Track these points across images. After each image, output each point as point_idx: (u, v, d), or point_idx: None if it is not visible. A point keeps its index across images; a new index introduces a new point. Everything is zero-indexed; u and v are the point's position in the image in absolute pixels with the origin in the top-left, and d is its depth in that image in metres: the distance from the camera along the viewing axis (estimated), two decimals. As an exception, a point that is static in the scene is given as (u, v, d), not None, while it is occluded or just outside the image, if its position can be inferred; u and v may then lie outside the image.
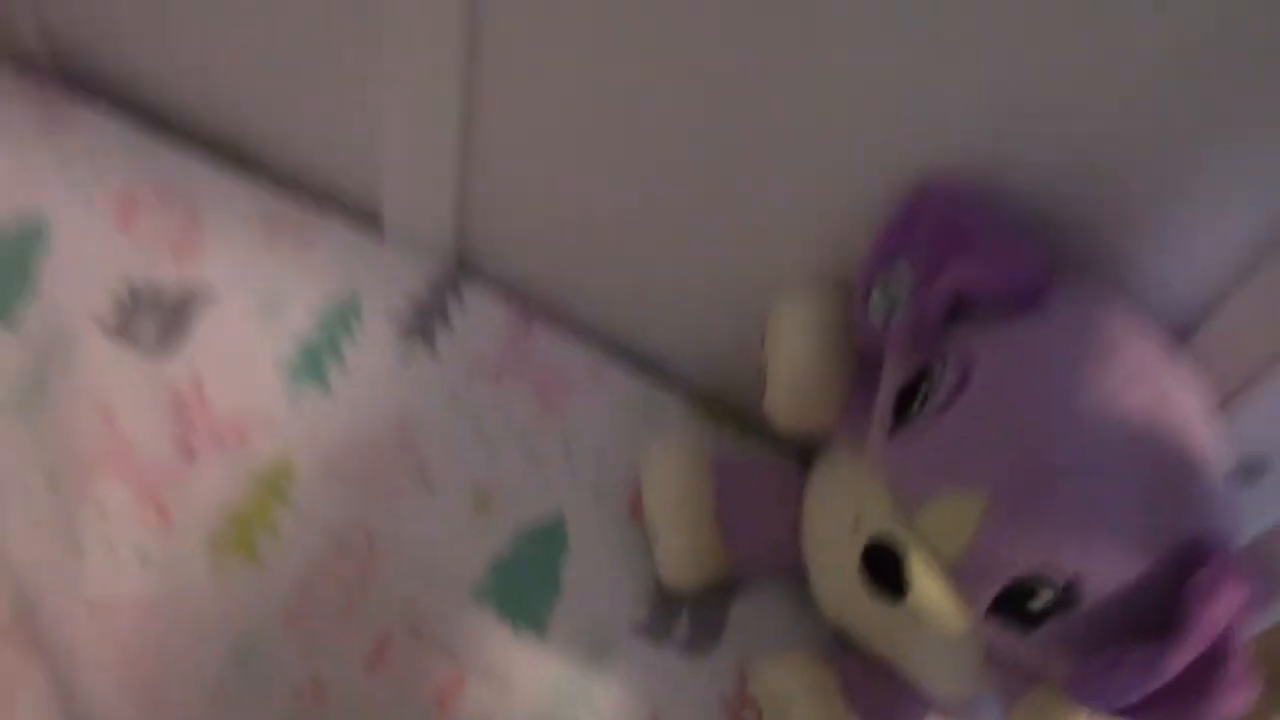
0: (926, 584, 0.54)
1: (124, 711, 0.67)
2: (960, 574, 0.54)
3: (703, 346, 0.79)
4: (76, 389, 0.73)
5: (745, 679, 0.70)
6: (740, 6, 0.59)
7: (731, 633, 0.73)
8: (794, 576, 0.73)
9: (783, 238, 0.68)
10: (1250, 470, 0.62)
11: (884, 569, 0.55)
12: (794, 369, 0.65)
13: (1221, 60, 0.50)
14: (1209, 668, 0.51)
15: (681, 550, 0.70)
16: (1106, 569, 0.52)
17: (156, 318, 0.76)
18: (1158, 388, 0.53)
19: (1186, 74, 0.51)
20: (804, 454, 0.73)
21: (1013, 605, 0.54)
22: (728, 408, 0.80)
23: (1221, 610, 0.49)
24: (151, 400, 0.74)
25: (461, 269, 0.83)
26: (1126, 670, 0.51)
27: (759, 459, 0.77)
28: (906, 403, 0.57)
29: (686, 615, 0.73)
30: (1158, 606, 0.52)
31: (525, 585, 0.72)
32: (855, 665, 0.68)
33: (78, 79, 0.87)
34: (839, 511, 0.65)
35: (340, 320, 0.78)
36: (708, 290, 0.75)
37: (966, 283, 0.56)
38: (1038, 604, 0.53)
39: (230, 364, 0.76)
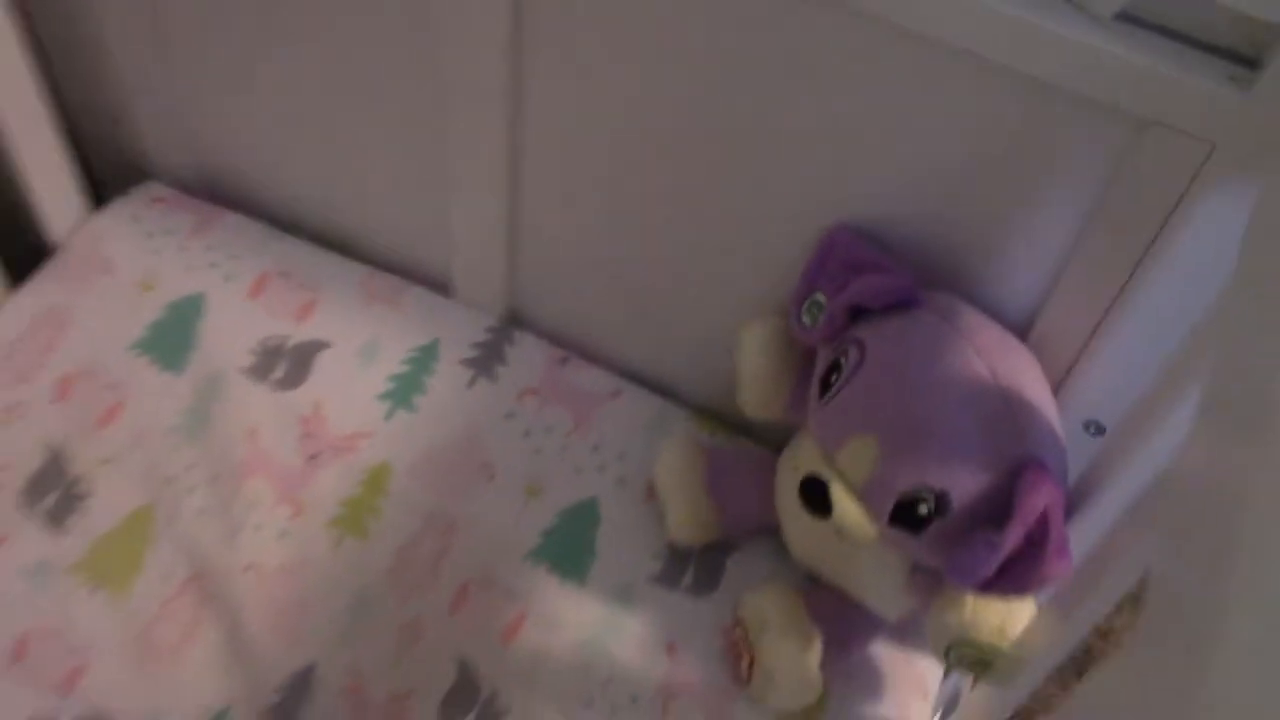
0: (845, 504, 0.77)
1: (273, 646, 0.89)
2: (866, 495, 0.76)
3: (699, 372, 1.02)
4: (228, 415, 0.98)
5: (736, 608, 0.91)
6: (713, 112, 0.84)
7: (728, 579, 0.94)
8: (774, 536, 0.95)
9: (746, 278, 0.92)
10: (1092, 429, 0.84)
11: (815, 497, 0.78)
12: (753, 373, 0.88)
13: (1018, 153, 0.74)
14: (1036, 544, 0.72)
15: (683, 515, 0.92)
16: (963, 484, 0.74)
17: (284, 363, 1.01)
18: (996, 358, 0.76)
19: (995, 159, 0.75)
20: (778, 448, 0.96)
21: (904, 515, 0.75)
22: (721, 419, 1.03)
23: (1040, 498, 0.71)
24: (284, 423, 0.98)
25: (512, 320, 1.07)
26: (979, 548, 0.72)
27: (743, 449, 1.00)
28: (828, 383, 0.80)
29: (692, 567, 0.95)
30: (1003, 510, 0.73)
31: (568, 549, 0.94)
32: (819, 594, 0.90)
33: (220, 193, 1.14)
34: (793, 490, 0.87)
35: (422, 361, 1.02)
36: (698, 324, 0.99)
37: (861, 297, 0.79)
38: (921, 510, 0.74)
39: (341, 395, 1.00)
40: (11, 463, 0.94)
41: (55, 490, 0.94)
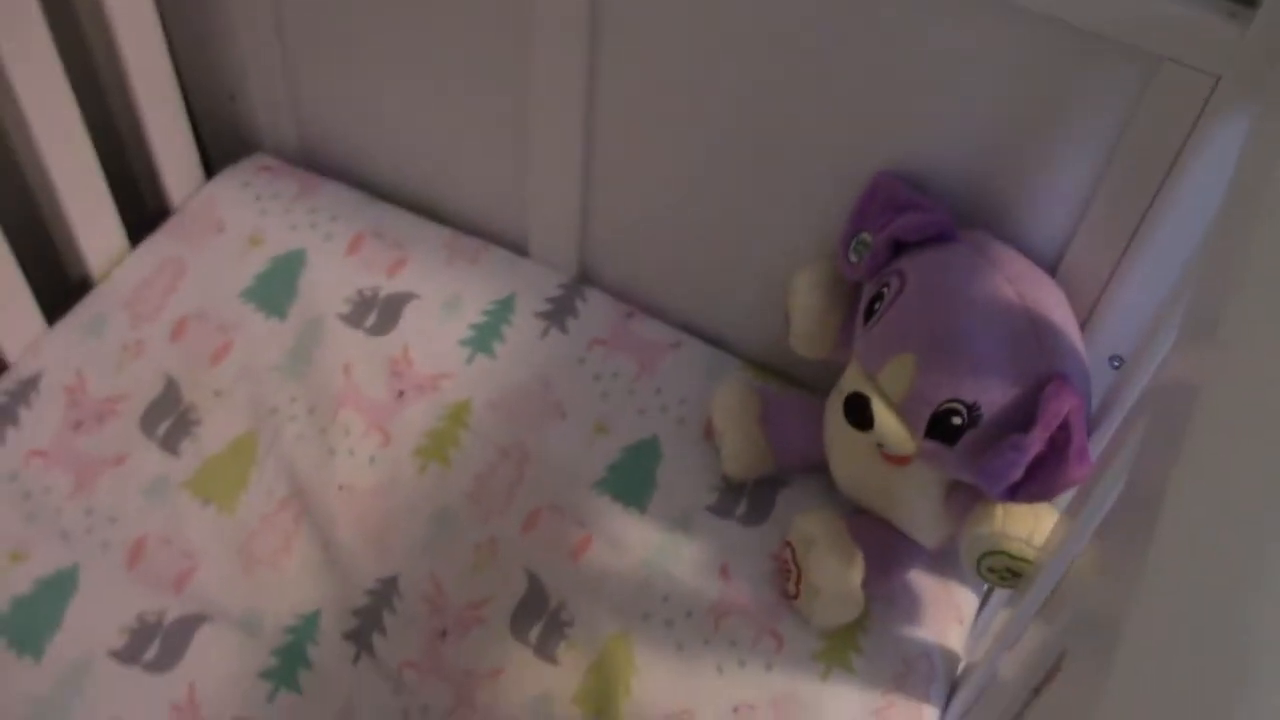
0: (885, 416, 0.84)
1: (363, 556, 0.98)
2: (905, 409, 0.84)
3: (752, 326, 1.10)
4: (326, 355, 1.08)
5: (785, 537, 0.99)
6: (772, 74, 0.93)
7: (778, 511, 1.02)
8: (822, 474, 1.02)
9: (796, 231, 1.01)
10: (1117, 363, 0.91)
11: (858, 413, 0.85)
12: (804, 310, 0.96)
13: (1043, 95, 0.82)
14: (1059, 449, 0.80)
15: (738, 447, 1.00)
16: (993, 396, 0.81)
17: (376, 312, 1.11)
18: (1023, 285, 0.84)
19: (1023, 102, 0.83)
20: (824, 396, 1.03)
21: (940, 427, 0.83)
22: (773, 369, 1.11)
23: (1061, 404, 0.78)
24: (375, 363, 1.08)
25: (583, 278, 1.16)
26: (1007, 451, 0.80)
27: (793, 393, 1.08)
28: (871, 311, 0.88)
29: (745, 499, 1.02)
30: (1029, 422, 0.81)
31: (632, 480, 1.02)
32: (862, 521, 0.97)
33: (320, 164, 1.25)
34: (840, 414, 0.94)
35: (500, 313, 1.12)
36: (752, 283, 1.07)
37: (902, 231, 0.87)
38: (955, 421, 0.82)
39: (427, 340, 1.09)
40: (133, 392, 1.05)
41: (170, 417, 1.04)
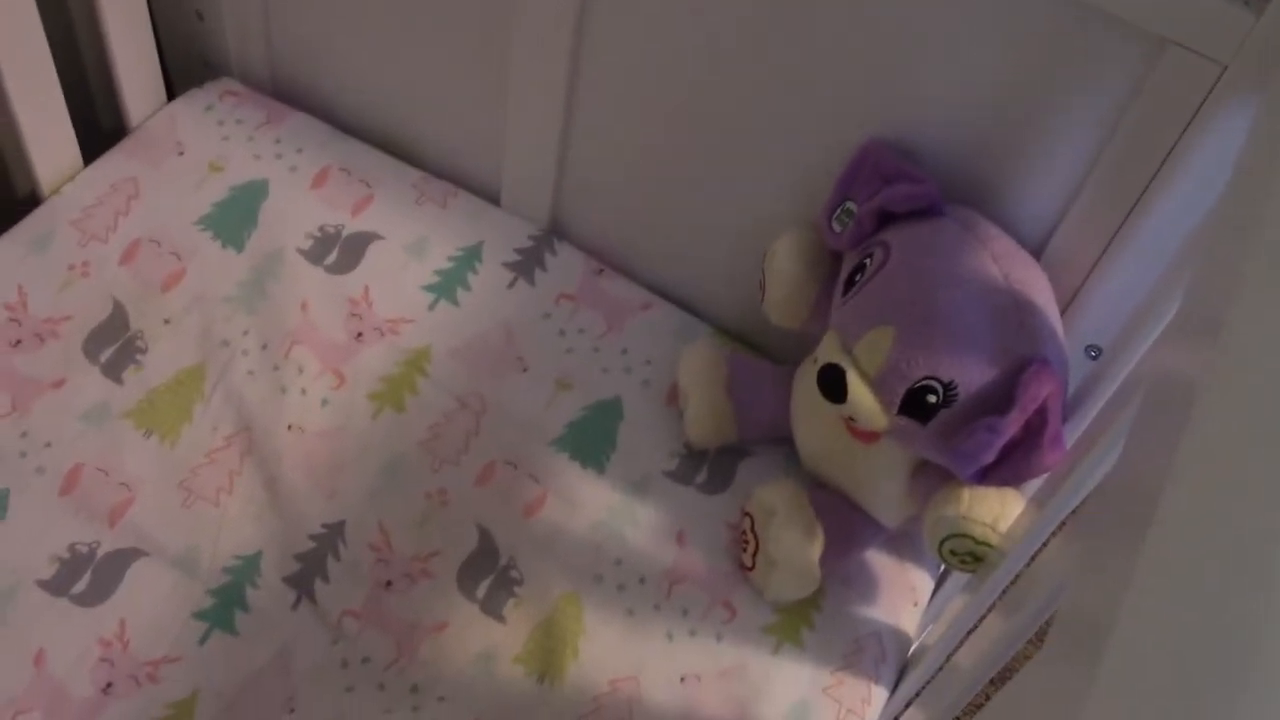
0: (859, 389, 0.82)
1: (309, 499, 0.95)
2: (880, 383, 0.82)
3: (725, 292, 1.08)
4: (284, 290, 1.04)
5: (744, 507, 0.97)
6: (758, 30, 0.90)
7: (739, 481, 1.00)
8: (786, 446, 1.01)
9: (777, 197, 0.98)
10: (1093, 353, 0.90)
11: (832, 384, 0.83)
12: (782, 276, 0.94)
13: (1043, 70, 0.80)
14: (1033, 433, 0.78)
15: (702, 412, 0.98)
16: (970, 376, 0.79)
17: (338, 249, 1.07)
18: (1009, 265, 0.82)
19: (1022, 77, 0.81)
20: (794, 364, 1.01)
21: (914, 404, 0.81)
22: (742, 337, 1.09)
23: (1040, 388, 0.77)
24: (334, 302, 1.04)
25: (554, 231, 1.13)
26: (981, 432, 0.78)
27: (761, 361, 1.05)
28: (851, 282, 0.86)
29: (706, 467, 1.00)
30: (1005, 405, 0.79)
31: (591, 440, 1.00)
32: (824, 496, 0.95)
33: (289, 92, 1.20)
34: (811, 387, 0.92)
35: (467, 260, 1.09)
36: (727, 248, 1.05)
37: (889, 201, 0.85)
38: (930, 399, 0.80)
39: (389, 283, 1.06)
40: (77, 314, 1.00)
41: (116, 342, 1.00)
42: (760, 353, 1.08)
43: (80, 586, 0.88)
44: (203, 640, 0.88)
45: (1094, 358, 0.90)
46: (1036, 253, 0.87)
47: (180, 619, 0.88)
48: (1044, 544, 0.78)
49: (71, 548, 0.90)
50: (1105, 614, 0.42)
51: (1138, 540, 0.42)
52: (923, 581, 0.99)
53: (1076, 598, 0.49)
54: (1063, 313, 0.87)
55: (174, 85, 1.20)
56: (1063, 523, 0.76)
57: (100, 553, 0.90)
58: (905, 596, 0.97)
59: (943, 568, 1.02)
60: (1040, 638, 0.70)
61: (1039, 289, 0.83)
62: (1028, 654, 1.07)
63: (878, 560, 0.98)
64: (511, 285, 1.08)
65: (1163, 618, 0.40)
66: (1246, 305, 0.47)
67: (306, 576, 0.91)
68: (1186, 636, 0.38)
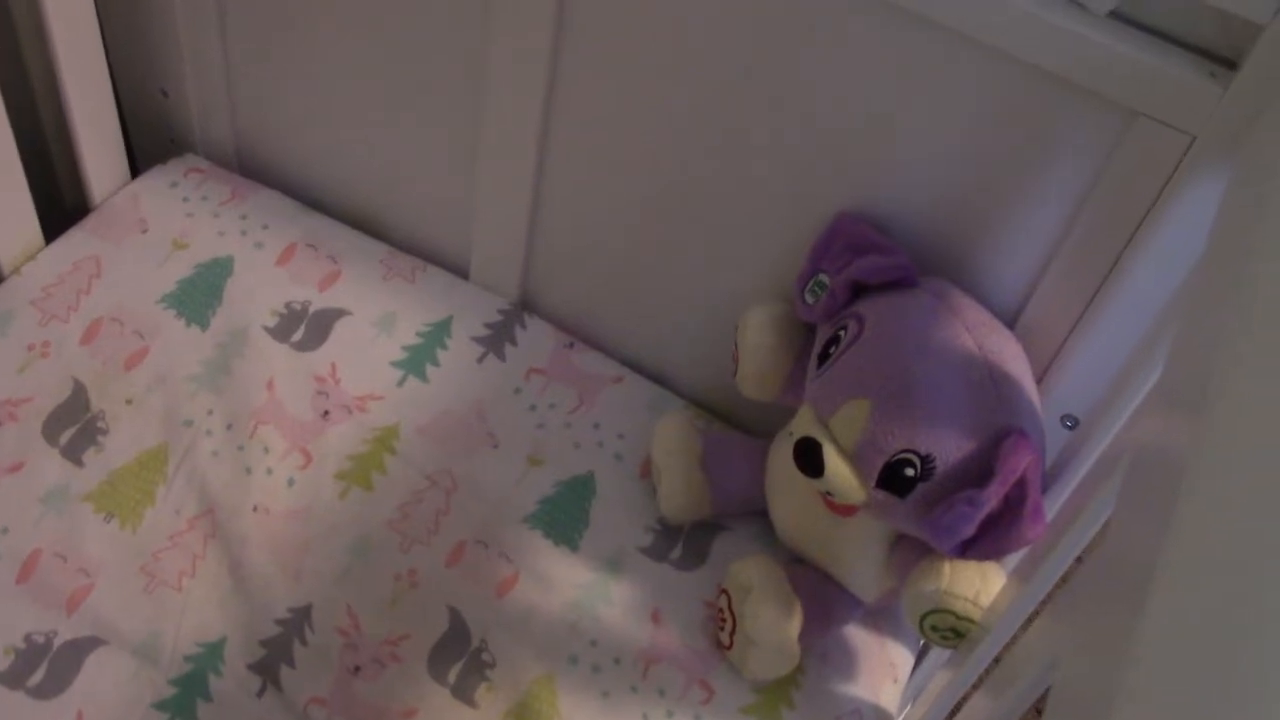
0: (836, 463, 0.81)
1: (275, 582, 0.92)
2: (858, 456, 0.81)
3: (697, 365, 1.07)
4: (249, 368, 1.02)
5: (721, 580, 0.95)
6: (729, 113, 0.90)
7: (715, 556, 0.98)
8: (761, 519, 0.99)
9: (748, 269, 0.98)
10: (1069, 423, 0.89)
11: (808, 458, 0.82)
12: (755, 348, 0.93)
13: (1013, 142, 0.80)
14: (1013, 506, 0.77)
15: (676, 487, 0.97)
16: (948, 449, 0.78)
17: (305, 326, 1.06)
18: (983, 335, 0.81)
19: (992, 148, 0.81)
20: (768, 437, 1.00)
21: (892, 477, 0.80)
22: (715, 410, 1.08)
23: (1019, 460, 0.76)
24: (300, 379, 1.02)
25: (524, 305, 1.12)
26: (961, 505, 0.77)
27: (736, 434, 1.04)
28: (826, 355, 0.85)
29: (681, 543, 0.99)
30: (984, 477, 0.78)
31: (564, 517, 0.98)
32: (801, 572, 0.94)
33: (254, 168, 1.19)
34: (787, 460, 0.91)
35: (436, 335, 1.07)
36: (699, 321, 1.04)
37: (862, 273, 0.85)
38: (908, 473, 0.79)
39: (357, 359, 1.04)
40: (37, 395, 0.98)
41: (76, 423, 0.97)
42: (733, 425, 1.07)
43: (37, 678, 0.85)
44: (164, 732, 0.85)
45: (1070, 427, 0.89)
46: (1010, 323, 0.87)
47: (140, 710, 0.85)
48: (1027, 621, 0.77)
49: (27, 638, 0.87)
50: (1103, 693, 0.41)
51: (1134, 617, 0.41)
52: (902, 657, 0.97)
53: (1071, 676, 0.47)
54: (1038, 382, 0.87)
55: (138, 162, 1.19)
56: (1046, 598, 0.75)
57: (57, 642, 0.87)
58: (885, 673, 0.95)
59: (922, 642, 1.00)
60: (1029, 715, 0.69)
61: (1014, 359, 0.82)
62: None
63: (856, 635, 0.97)
64: (481, 360, 1.07)
65: (1162, 696, 0.38)
66: (1233, 376, 0.47)
67: (272, 663, 0.88)
68: (1186, 714, 0.37)
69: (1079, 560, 0.70)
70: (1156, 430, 0.55)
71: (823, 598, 0.93)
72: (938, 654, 1.00)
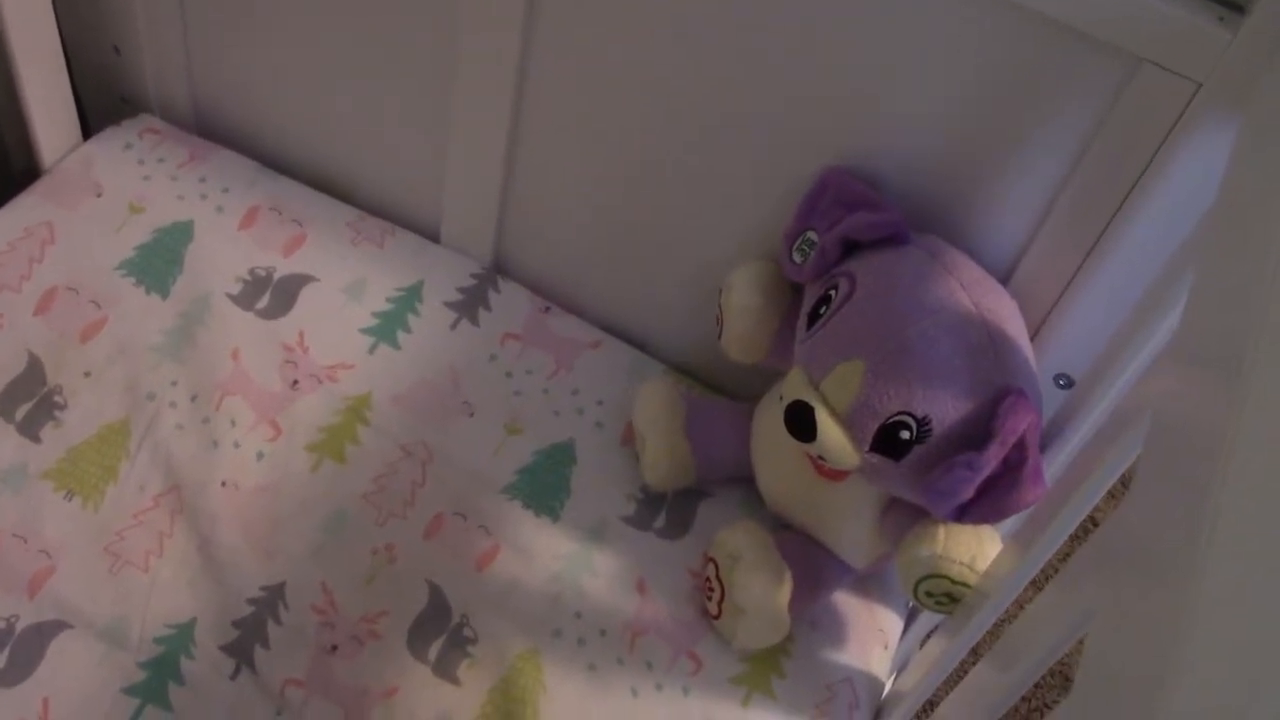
0: (829, 428, 0.79)
1: (246, 560, 0.89)
2: (851, 420, 0.78)
3: (678, 328, 1.04)
4: (213, 337, 0.98)
5: (707, 548, 0.93)
6: (709, 63, 0.87)
7: (699, 524, 0.96)
8: (746, 485, 0.97)
9: (731, 228, 0.95)
10: (1063, 382, 0.87)
11: (800, 422, 0.80)
12: (741, 309, 0.90)
13: (1013, 90, 0.77)
14: (1012, 468, 0.75)
15: (659, 454, 0.94)
16: (945, 410, 0.76)
17: (270, 293, 1.02)
18: (979, 293, 0.79)
19: (991, 97, 0.78)
20: (752, 401, 0.98)
21: (886, 440, 0.78)
22: (697, 375, 1.05)
23: (1019, 421, 0.74)
24: (267, 348, 0.99)
25: (498, 269, 1.09)
26: (959, 469, 0.75)
27: (719, 399, 1.02)
28: (816, 315, 0.82)
29: (664, 511, 0.96)
30: (981, 440, 0.76)
31: (544, 486, 0.95)
32: (789, 539, 0.92)
33: (213, 128, 1.15)
34: (774, 424, 0.89)
35: (407, 300, 1.04)
36: (679, 283, 1.01)
37: (853, 229, 0.82)
38: (903, 435, 0.77)
39: (325, 327, 1.01)
40: (-11, 369, 0.94)
41: (32, 398, 0.93)
42: (715, 390, 1.04)
43: (-2, 665, 0.82)
44: (135, 717, 0.81)
45: (1063, 386, 0.87)
46: (1004, 279, 0.84)
47: (109, 695, 0.82)
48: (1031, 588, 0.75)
49: (-13, 623, 0.83)
50: (1152, 667, 0.38)
51: (1180, 596, 0.39)
52: (891, 623, 0.95)
53: (1104, 647, 0.45)
54: (1031, 340, 0.85)
55: (90, 123, 1.14)
56: (1053, 564, 0.73)
57: (20, 626, 0.83)
58: (875, 639, 0.94)
59: (911, 607, 0.98)
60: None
61: (1009, 317, 0.80)
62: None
63: (844, 602, 0.95)
64: (455, 326, 1.03)
65: (1220, 671, 0.36)
66: (1269, 341, 0.44)
67: (245, 644, 0.85)
68: (1247, 689, 0.35)
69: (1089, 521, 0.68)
70: (1179, 389, 0.52)
71: (811, 565, 0.91)
72: (926, 618, 0.99)
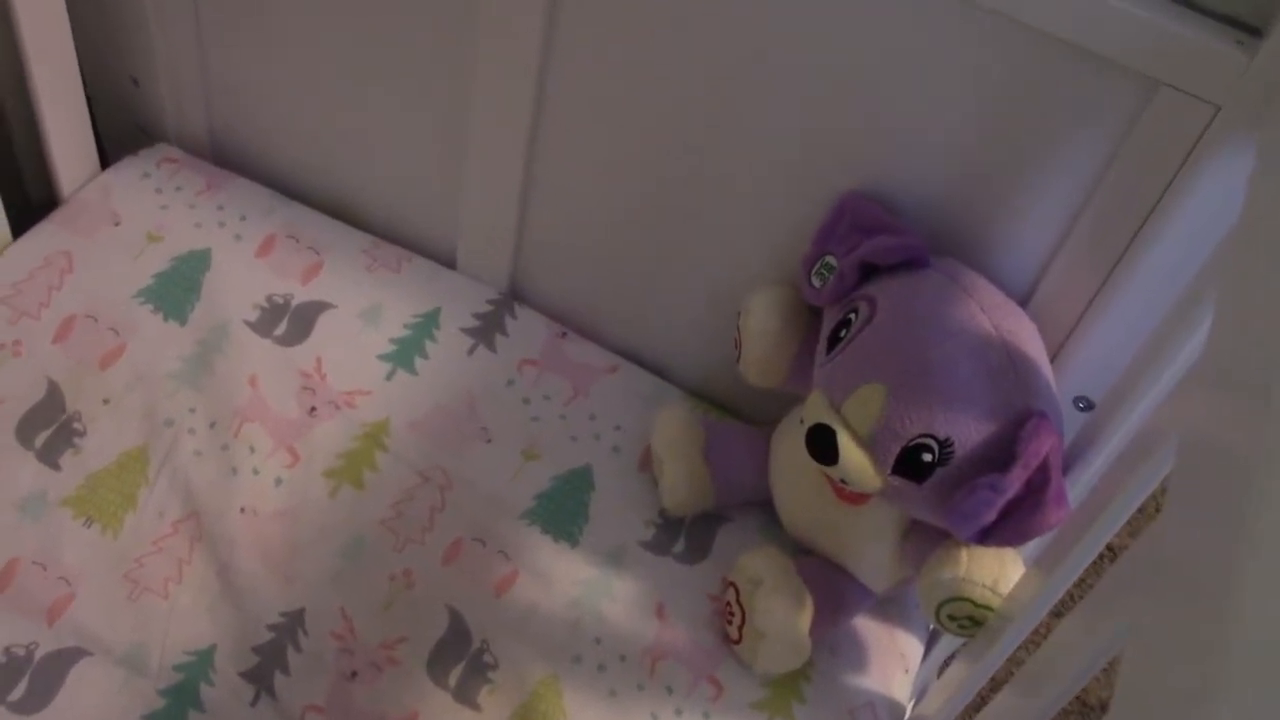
0: (851, 452, 0.79)
1: (266, 586, 0.89)
2: (872, 443, 0.78)
3: (695, 353, 1.04)
4: (231, 364, 0.98)
5: (727, 573, 0.93)
6: (725, 88, 0.87)
7: (718, 549, 0.96)
8: (765, 510, 0.97)
9: (749, 253, 0.95)
10: (1082, 405, 0.87)
11: (822, 445, 0.80)
12: (760, 333, 0.91)
13: (1032, 114, 0.78)
14: (1035, 491, 0.75)
15: (678, 479, 0.94)
16: (967, 433, 0.76)
17: (288, 320, 1.02)
18: (999, 316, 0.79)
19: (1010, 121, 0.79)
20: (770, 426, 0.98)
21: (909, 463, 0.78)
22: (713, 400, 1.05)
23: (1043, 444, 0.74)
24: (284, 375, 0.99)
25: (514, 295, 1.09)
26: (982, 491, 0.75)
27: (737, 423, 1.02)
28: (836, 339, 0.83)
29: (683, 536, 0.96)
30: (1003, 462, 0.76)
31: (562, 512, 0.95)
32: (809, 563, 0.91)
33: (230, 157, 1.15)
34: (793, 448, 0.89)
35: (424, 327, 1.04)
36: (697, 308, 1.01)
37: (873, 254, 0.82)
38: (926, 458, 0.77)
39: (343, 353, 1.01)
40: (9, 396, 0.94)
41: (51, 425, 0.93)
42: (733, 415, 1.04)
43: (18, 693, 0.81)
44: (154, 745, 0.81)
45: (1083, 409, 0.87)
46: (1023, 302, 0.85)
47: (129, 723, 0.82)
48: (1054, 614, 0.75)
49: (7, 650, 0.83)
50: (1193, 683, 0.38)
51: (1222, 625, 0.38)
52: (912, 647, 0.95)
53: (1143, 667, 0.45)
54: (1051, 362, 0.85)
55: (108, 153, 1.14)
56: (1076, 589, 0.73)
57: (39, 654, 0.83)
58: (896, 663, 0.93)
59: (931, 630, 0.98)
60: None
61: (1030, 340, 0.80)
62: None
63: (865, 626, 0.94)
64: (472, 352, 1.03)
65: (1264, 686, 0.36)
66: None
67: (265, 670, 0.85)
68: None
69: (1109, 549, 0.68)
70: (1207, 414, 0.52)
71: (832, 589, 0.91)
72: (947, 641, 0.98)
